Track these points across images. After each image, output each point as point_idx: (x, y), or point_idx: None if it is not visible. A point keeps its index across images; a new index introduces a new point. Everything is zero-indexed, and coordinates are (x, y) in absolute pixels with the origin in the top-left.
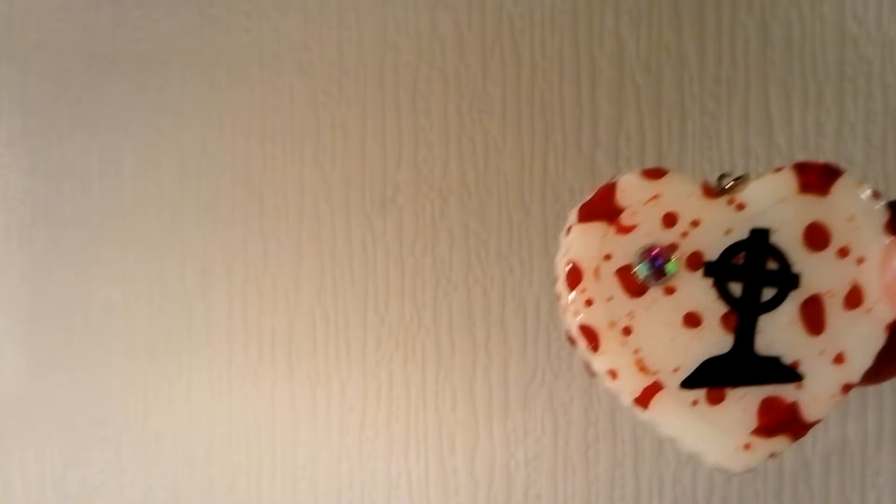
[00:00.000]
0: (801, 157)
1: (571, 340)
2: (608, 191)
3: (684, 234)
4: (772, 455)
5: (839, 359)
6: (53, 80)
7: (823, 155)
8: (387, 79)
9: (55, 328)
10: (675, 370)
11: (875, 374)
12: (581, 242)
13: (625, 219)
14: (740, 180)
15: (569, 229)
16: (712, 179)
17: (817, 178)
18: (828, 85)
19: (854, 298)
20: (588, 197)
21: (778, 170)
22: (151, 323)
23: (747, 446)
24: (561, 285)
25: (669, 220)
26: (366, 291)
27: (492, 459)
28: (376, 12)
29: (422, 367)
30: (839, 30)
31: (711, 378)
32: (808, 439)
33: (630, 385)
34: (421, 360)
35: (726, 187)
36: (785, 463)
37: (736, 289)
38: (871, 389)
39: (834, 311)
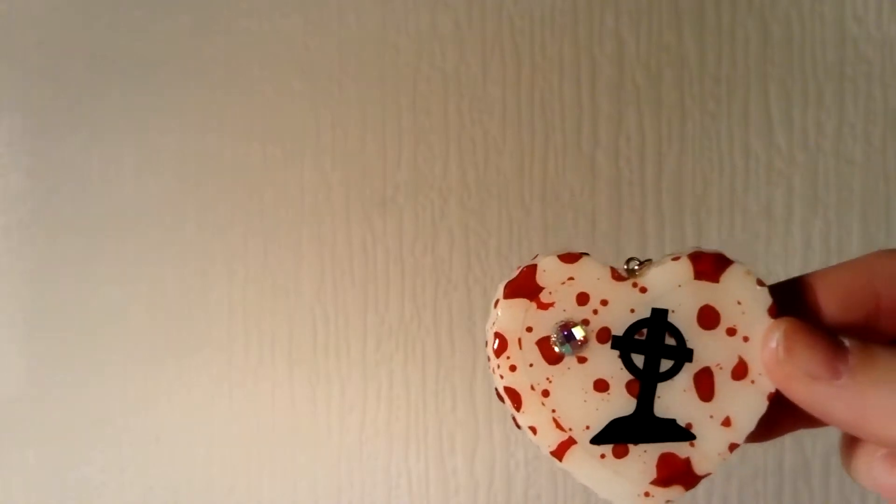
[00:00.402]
0: (801, 157)
1: (500, 398)
2: (530, 272)
3: (595, 312)
4: (668, 502)
5: (727, 422)
6: (53, 80)
7: (823, 155)
8: (387, 79)
9: (55, 328)
10: (586, 428)
11: (761, 435)
12: (507, 316)
13: (544, 297)
14: (644, 265)
15: (496, 303)
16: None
17: (710, 266)
18: (828, 85)
19: (740, 371)
20: (513, 276)
21: (676, 258)
22: (151, 323)
23: (647, 494)
24: (490, 351)
25: (582, 299)
26: (366, 291)
27: (492, 459)
28: (376, 12)
29: (422, 367)
30: (839, 30)
31: (617, 435)
32: (808, 439)
33: (547, 440)
34: (421, 360)
35: (632, 269)
36: (785, 463)
37: (638, 360)
38: None
39: (722, 382)
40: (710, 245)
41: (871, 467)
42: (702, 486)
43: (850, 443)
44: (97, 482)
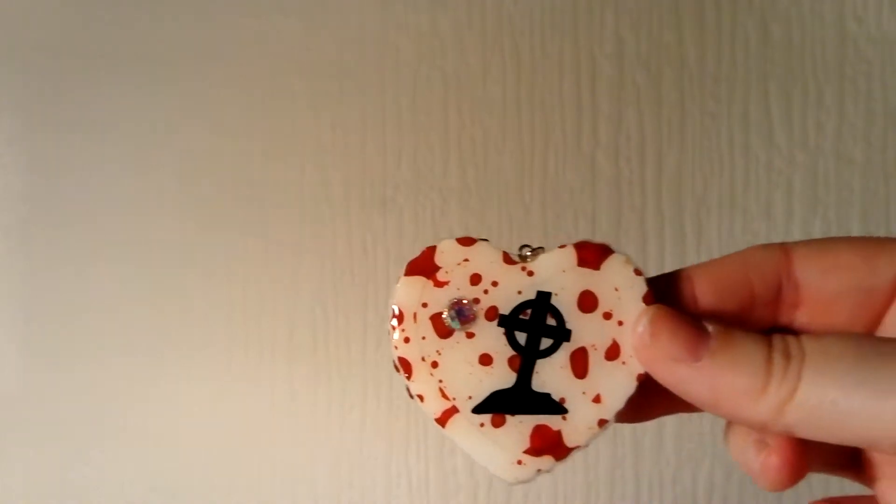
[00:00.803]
0: (801, 157)
1: (396, 368)
2: (429, 253)
3: (486, 292)
4: (539, 471)
5: (597, 399)
6: (53, 80)
7: (823, 155)
8: (387, 79)
9: (55, 328)
10: (469, 398)
11: (634, 416)
12: (405, 292)
13: (440, 276)
14: (536, 252)
15: (399, 279)
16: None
17: (592, 255)
18: (828, 85)
19: (613, 352)
20: (414, 256)
21: (562, 246)
22: (151, 323)
23: (520, 462)
24: (388, 324)
25: (475, 279)
26: (366, 291)
27: None
28: (376, 12)
29: None
30: (839, 30)
31: (496, 406)
32: None
33: (433, 408)
34: None
35: (524, 255)
36: None
37: (521, 338)
38: None
39: (596, 361)
40: (711, 245)
41: (744, 449)
42: (702, 485)
43: (730, 426)
44: (97, 482)
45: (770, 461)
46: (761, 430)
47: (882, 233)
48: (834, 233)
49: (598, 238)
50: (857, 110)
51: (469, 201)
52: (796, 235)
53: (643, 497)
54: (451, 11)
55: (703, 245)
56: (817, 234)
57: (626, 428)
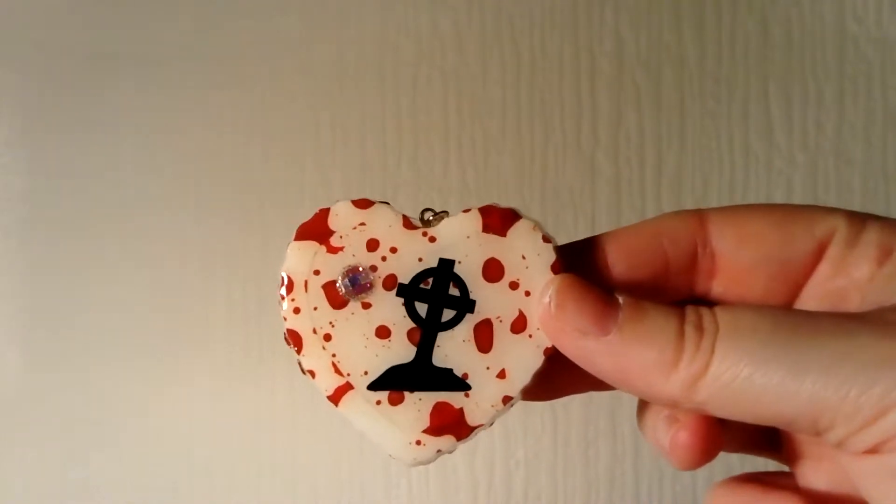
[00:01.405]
0: (801, 157)
1: (287, 341)
2: (322, 215)
3: (384, 259)
4: (439, 451)
5: (502, 374)
6: (53, 80)
7: (823, 155)
8: (387, 79)
9: (55, 328)
10: (364, 374)
11: (543, 394)
12: (295, 258)
13: (334, 241)
14: (439, 216)
15: (288, 245)
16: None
17: (498, 220)
18: (828, 85)
19: (519, 325)
20: (306, 219)
21: (467, 211)
22: (151, 323)
23: (418, 442)
24: (277, 293)
25: (372, 245)
26: None
27: (492, 459)
28: (376, 12)
29: None
30: (839, 30)
31: (394, 382)
32: None
33: (325, 384)
34: None
35: (427, 220)
36: None
37: (422, 309)
38: None
39: (501, 334)
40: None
41: (655, 426)
42: (701, 481)
43: (642, 403)
44: (97, 482)
45: (679, 437)
46: (673, 408)
47: None
48: None
49: None
50: (857, 110)
51: (469, 201)
52: None
53: (643, 496)
54: (451, 11)
55: None
56: None
57: (626, 426)
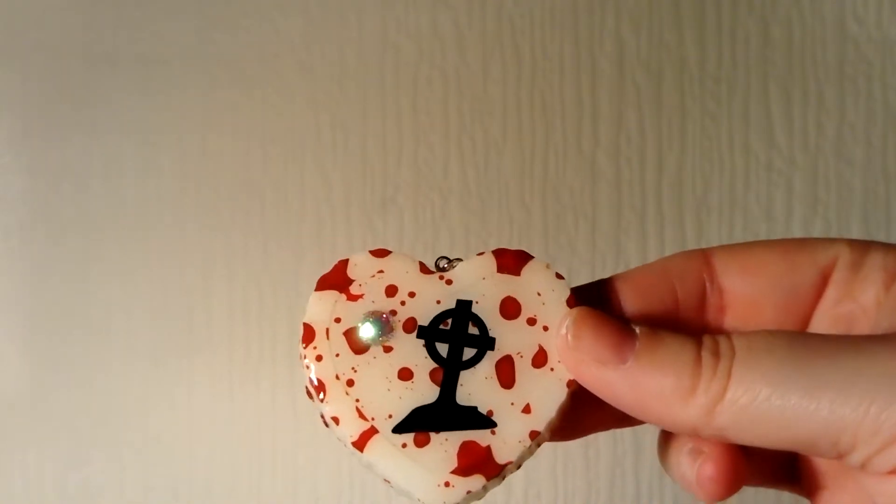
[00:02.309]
0: (801, 158)
1: (308, 393)
2: (341, 266)
3: (403, 303)
4: (469, 493)
5: (527, 409)
6: (53, 80)
7: (823, 155)
8: (387, 79)
9: (55, 328)
10: (389, 417)
11: (569, 432)
12: (316, 307)
13: (354, 289)
14: (453, 262)
15: (310, 296)
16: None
17: (512, 261)
18: (828, 85)
19: (540, 359)
20: (326, 271)
21: (480, 254)
22: (152, 323)
23: (447, 484)
24: (298, 343)
25: (391, 290)
26: None
27: None
28: (376, 12)
29: None
30: (839, 30)
31: (419, 424)
32: None
33: (350, 430)
34: None
35: (442, 267)
36: None
37: (443, 349)
38: None
39: (523, 369)
40: (711, 245)
41: (680, 461)
42: None
43: (664, 438)
44: (97, 482)
45: (705, 469)
46: (693, 435)
47: (882, 234)
48: (834, 233)
49: (599, 239)
50: (858, 111)
51: (469, 202)
52: (796, 236)
53: (643, 496)
54: (451, 11)
55: (703, 245)
56: (817, 235)
57: (626, 426)
